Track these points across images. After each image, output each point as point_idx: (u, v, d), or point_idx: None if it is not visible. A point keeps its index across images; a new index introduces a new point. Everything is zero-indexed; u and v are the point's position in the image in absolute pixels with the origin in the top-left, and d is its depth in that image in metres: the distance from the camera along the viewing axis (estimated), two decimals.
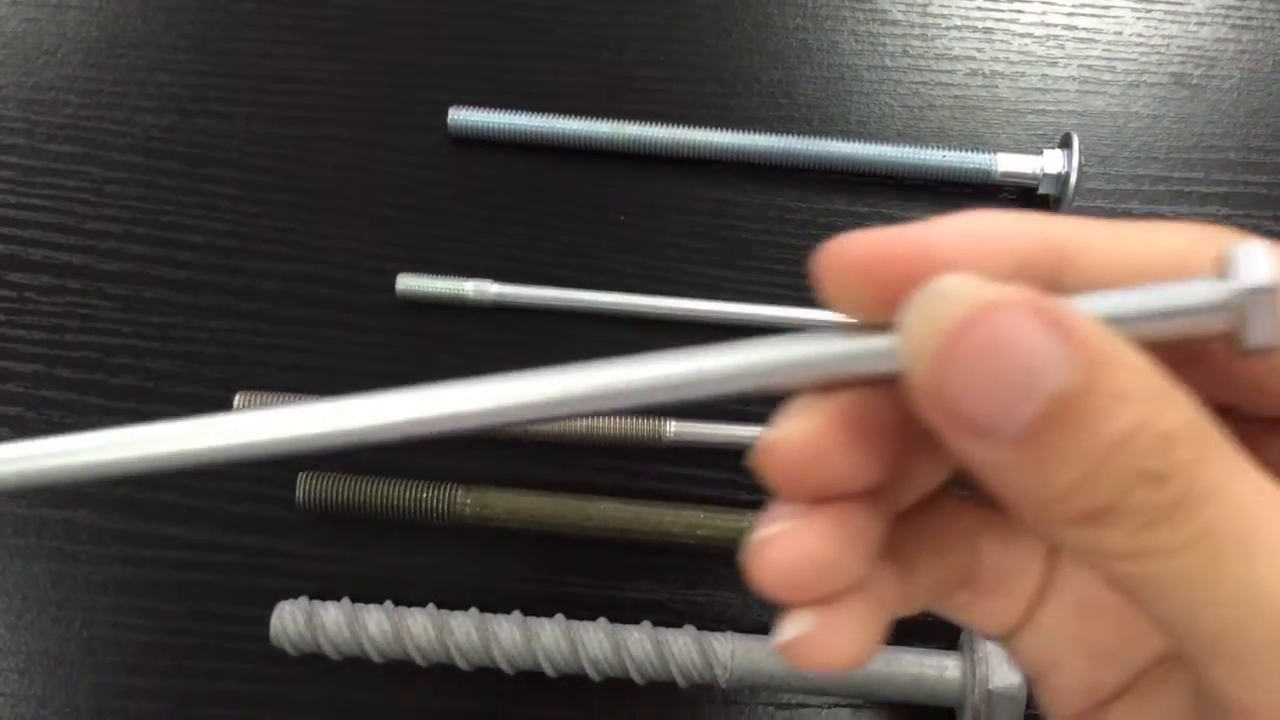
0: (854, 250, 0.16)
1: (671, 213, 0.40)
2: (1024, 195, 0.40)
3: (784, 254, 0.40)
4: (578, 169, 0.40)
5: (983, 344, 0.13)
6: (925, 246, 0.16)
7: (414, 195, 0.40)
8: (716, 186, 0.40)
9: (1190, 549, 0.13)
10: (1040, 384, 0.13)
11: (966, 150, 0.39)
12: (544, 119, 0.40)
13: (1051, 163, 0.38)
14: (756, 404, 0.38)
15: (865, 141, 0.39)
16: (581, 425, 0.36)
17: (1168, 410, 0.14)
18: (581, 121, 0.40)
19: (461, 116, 0.40)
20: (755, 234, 0.40)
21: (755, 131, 0.40)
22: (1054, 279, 0.16)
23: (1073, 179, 0.38)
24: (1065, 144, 0.39)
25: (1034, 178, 0.39)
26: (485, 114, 0.40)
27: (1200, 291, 0.15)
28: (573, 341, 0.39)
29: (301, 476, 0.36)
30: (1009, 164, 0.39)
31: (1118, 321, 0.15)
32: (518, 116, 0.40)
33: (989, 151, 0.39)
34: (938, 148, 0.39)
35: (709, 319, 0.38)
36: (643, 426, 0.36)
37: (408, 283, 0.39)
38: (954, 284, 0.14)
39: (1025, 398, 0.13)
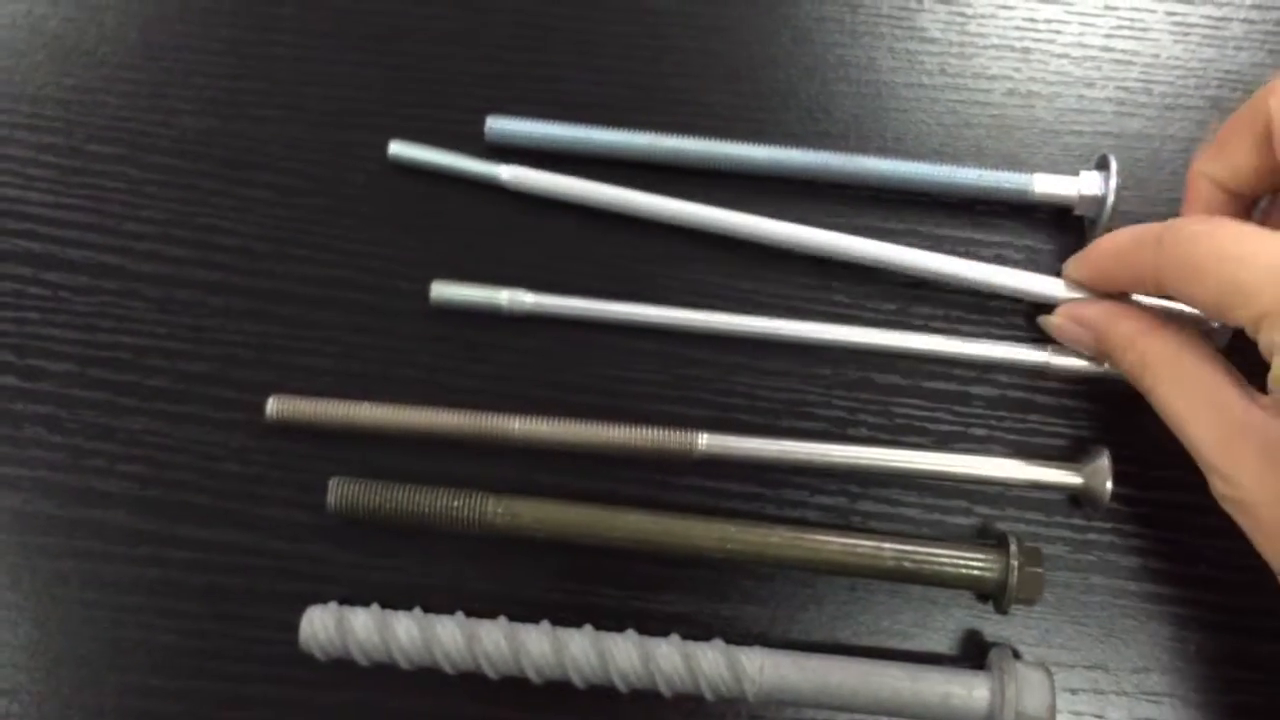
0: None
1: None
2: (1059, 216, 0.40)
3: (816, 269, 0.39)
4: (613, 180, 0.40)
5: None
6: None
7: (449, 201, 0.40)
8: (750, 200, 0.40)
9: None
10: None
11: (1003, 169, 0.39)
12: (581, 129, 0.40)
13: (1089, 184, 0.38)
14: (788, 420, 0.38)
15: (901, 159, 0.39)
16: (613, 437, 0.36)
17: None
18: (619, 133, 0.40)
19: (499, 125, 0.40)
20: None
21: (790, 146, 0.40)
22: None
23: (1109, 201, 0.38)
24: (1102, 165, 0.38)
25: (1071, 199, 0.38)
26: (522, 123, 0.40)
27: None
28: (607, 353, 0.39)
29: (333, 481, 0.36)
30: (1046, 185, 0.38)
31: None
32: (555, 126, 0.40)
33: (1025, 171, 0.39)
34: (974, 166, 0.39)
35: (742, 333, 0.38)
36: (674, 439, 0.36)
37: (441, 290, 0.39)
38: None
39: None
